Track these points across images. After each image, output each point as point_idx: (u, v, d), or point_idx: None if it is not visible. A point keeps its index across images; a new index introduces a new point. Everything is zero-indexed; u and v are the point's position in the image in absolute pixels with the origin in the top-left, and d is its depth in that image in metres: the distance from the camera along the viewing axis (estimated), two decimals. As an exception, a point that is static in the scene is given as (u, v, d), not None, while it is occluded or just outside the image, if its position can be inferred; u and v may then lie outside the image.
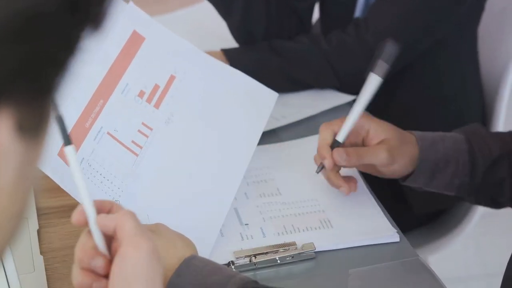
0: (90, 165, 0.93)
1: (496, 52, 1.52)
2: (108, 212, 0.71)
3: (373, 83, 0.99)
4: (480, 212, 1.52)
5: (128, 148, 0.97)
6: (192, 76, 1.05)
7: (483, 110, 1.52)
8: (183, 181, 0.98)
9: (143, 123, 0.99)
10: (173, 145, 1.00)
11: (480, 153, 1.02)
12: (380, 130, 1.00)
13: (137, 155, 0.97)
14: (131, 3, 1.01)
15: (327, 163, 0.98)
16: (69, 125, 0.92)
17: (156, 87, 1.01)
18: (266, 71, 1.29)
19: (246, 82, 1.09)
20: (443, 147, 1.01)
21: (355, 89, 1.33)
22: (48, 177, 1.07)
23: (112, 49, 0.98)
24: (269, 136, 1.18)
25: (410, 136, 1.01)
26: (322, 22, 1.51)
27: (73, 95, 0.93)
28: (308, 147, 1.16)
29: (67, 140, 0.65)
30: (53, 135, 0.88)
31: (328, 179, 1.02)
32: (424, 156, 1.00)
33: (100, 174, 0.93)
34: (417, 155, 1.00)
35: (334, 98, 1.30)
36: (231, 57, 1.30)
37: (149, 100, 1.00)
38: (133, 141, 0.98)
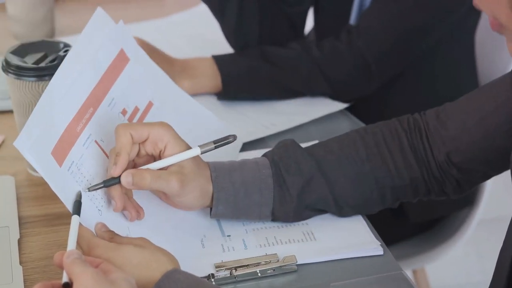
0: (79, 169, 0.93)
1: (494, 58, 1.50)
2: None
3: None
4: (480, 218, 1.51)
5: None
6: (166, 107, 1.06)
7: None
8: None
9: None
10: None
11: (288, 176, 0.97)
12: (177, 150, 0.93)
13: None
14: (121, 22, 1.01)
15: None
16: (62, 126, 0.92)
17: (136, 109, 1.03)
18: (257, 79, 1.28)
19: (214, 123, 1.10)
20: (240, 176, 0.96)
21: (347, 97, 1.32)
22: (32, 185, 1.07)
23: (104, 60, 0.98)
24: (258, 145, 1.17)
25: (205, 168, 0.96)
26: (317, 30, 1.49)
27: (68, 96, 0.93)
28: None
29: (77, 211, 0.87)
30: (45, 135, 0.88)
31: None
32: (218, 187, 0.95)
33: (87, 180, 0.93)
34: (210, 188, 0.95)
35: (326, 106, 1.28)
36: (222, 64, 1.28)
37: (130, 120, 1.02)
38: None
